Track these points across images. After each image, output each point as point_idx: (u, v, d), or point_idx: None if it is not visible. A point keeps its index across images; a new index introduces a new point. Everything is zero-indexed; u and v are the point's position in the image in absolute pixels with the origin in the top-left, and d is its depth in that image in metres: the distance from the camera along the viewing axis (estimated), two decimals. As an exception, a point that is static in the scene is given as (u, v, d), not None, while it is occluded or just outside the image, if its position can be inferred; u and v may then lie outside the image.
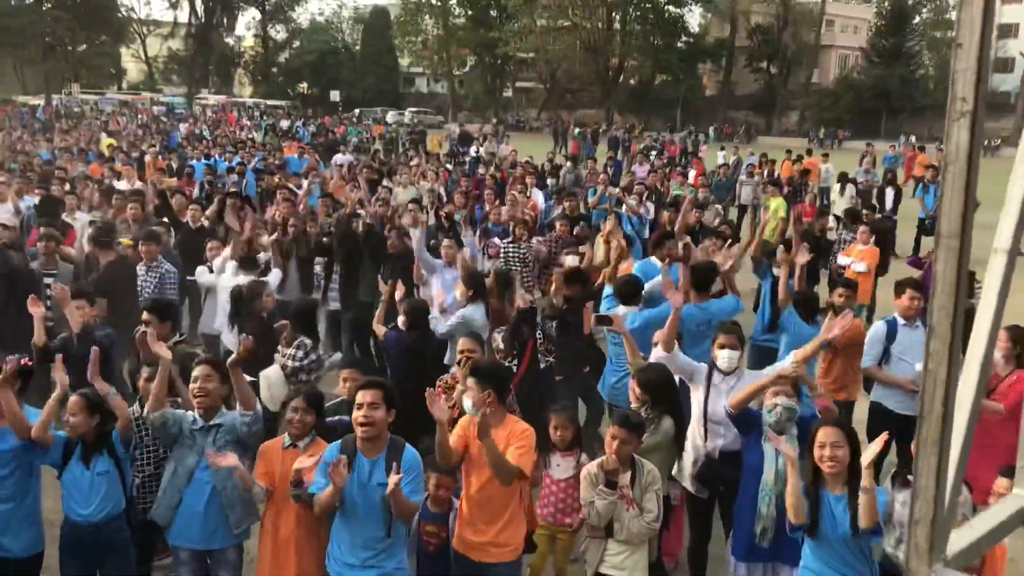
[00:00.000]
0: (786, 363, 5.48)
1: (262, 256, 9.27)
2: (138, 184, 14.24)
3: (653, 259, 8.85)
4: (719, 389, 5.73)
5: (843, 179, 18.56)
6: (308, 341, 6.99)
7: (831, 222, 14.82)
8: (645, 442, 5.27)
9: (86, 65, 67.75)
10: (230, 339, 8.17)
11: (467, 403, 4.88)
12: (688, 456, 5.81)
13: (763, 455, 5.05)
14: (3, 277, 8.45)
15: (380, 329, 7.32)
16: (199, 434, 4.96)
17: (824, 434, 4.46)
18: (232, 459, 4.72)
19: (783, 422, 4.93)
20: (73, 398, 4.92)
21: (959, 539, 1.57)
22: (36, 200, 12.14)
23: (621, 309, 7.12)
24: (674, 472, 5.81)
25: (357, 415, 4.50)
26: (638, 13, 63.57)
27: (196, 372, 5.02)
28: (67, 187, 13.22)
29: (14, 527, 4.95)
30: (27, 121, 38.03)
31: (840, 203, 17.37)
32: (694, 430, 5.80)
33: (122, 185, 14.28)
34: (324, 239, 10.10)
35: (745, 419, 5.20)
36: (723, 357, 5.72)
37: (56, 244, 8.63)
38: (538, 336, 7.12)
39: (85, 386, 5.09)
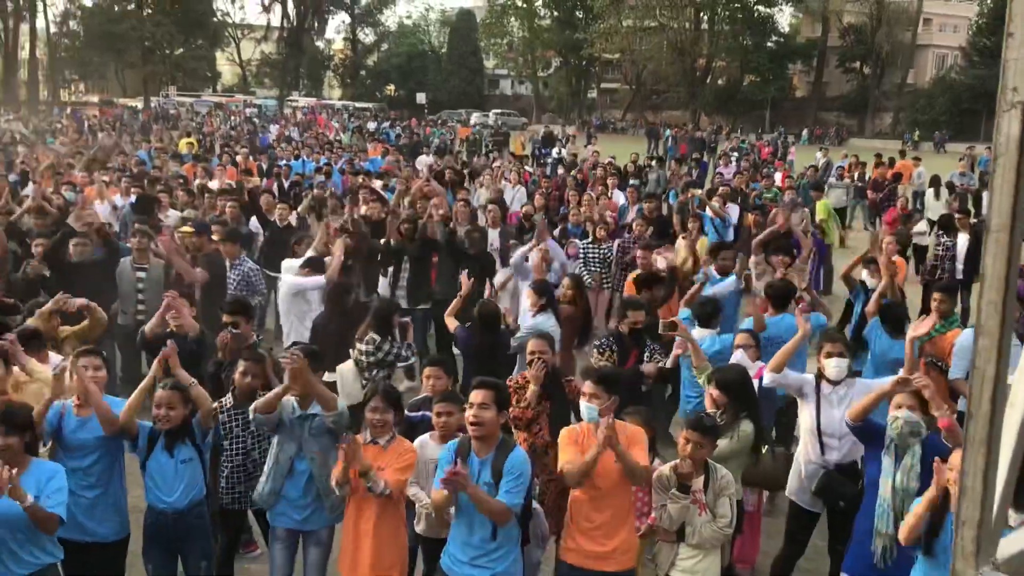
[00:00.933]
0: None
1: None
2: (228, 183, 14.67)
3: (711, 268, 8.83)
4: (830, 400, 5.63)
5: (937, 183, 17.92)
6: (377, 337, 7.12)
7: (924, 226, 14.38)
8: (725, 447, 5.22)
9: (183, 68, 69.98)
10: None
11: (590, 411, 4.81)
12: (800, 471, 5.72)
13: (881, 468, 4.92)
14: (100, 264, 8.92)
15: (452, 323, 7.46)
16: (296, 422, 5.14)
17: (958, 456, 4.24)
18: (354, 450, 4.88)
19: (905, 436, 4.79)
20: (169, 393, 5.09)
21: (1013, 543, 1.52)
22: (133, 198, 12.64)
23: (697, 332, 7.04)
24: (787, 491, 5.76)
25: (468, 414, 4.61)
26: (727, 13, 62.50)
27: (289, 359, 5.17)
28: (160, 186, 13.70)
29: (100, 513, 5.14)
30: (128, 122, 39.50)
31: (935, 207, 16.82)
32: (807, 444, 5.71)
33: (214, 185, 14.74)
34: (390, 240, 10.27)
35: (868, 430, 5.09)
36: (831, 366, 5.61)
37: (149, 241, 8.96)
38: (648, 348, 7.11)
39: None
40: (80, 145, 23.72)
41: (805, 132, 54.45)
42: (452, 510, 4.68)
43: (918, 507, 4.29)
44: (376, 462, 4.86)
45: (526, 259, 9.16)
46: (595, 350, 7.12)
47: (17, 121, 35.47)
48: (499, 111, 62.89)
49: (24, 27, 68.37)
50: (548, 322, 7.46)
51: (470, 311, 7.46)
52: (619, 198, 15.11)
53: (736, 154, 28.62)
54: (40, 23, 68.66)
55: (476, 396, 4.62)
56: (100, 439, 5.09)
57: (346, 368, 7.08)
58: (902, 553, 4.63)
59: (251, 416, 5.17)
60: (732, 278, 8.62)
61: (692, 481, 4.79)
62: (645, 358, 6.94)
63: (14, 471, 4.26)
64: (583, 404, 4.86)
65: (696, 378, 6.38)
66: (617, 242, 11.14)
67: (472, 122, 52.66)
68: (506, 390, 4.79)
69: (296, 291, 8.48)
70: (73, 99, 69.10)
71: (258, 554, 6.35)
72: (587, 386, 4.88)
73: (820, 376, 5.68)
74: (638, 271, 9.19)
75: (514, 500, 4.53)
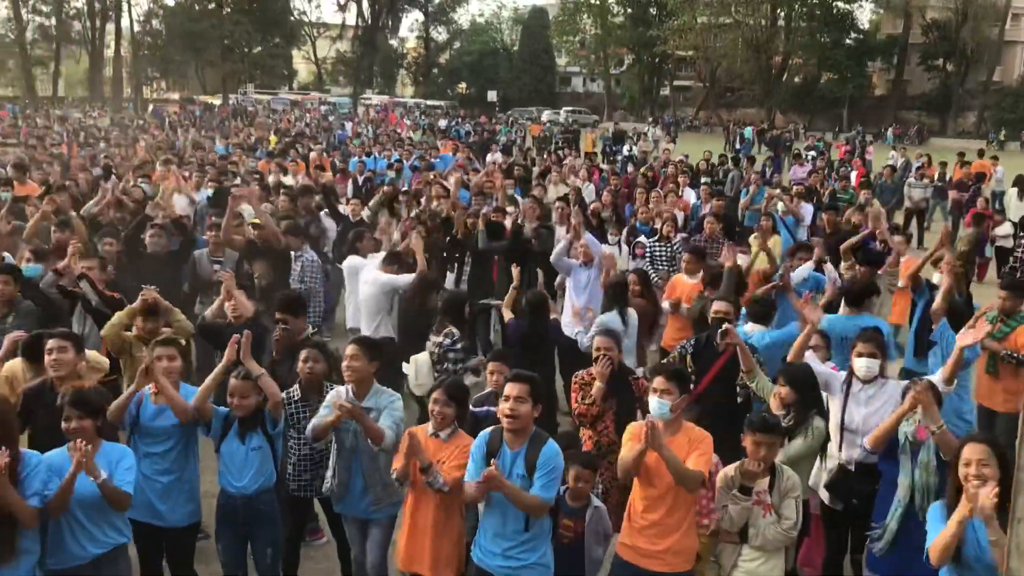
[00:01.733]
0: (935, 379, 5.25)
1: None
2: (303, 180, 14.88)
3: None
4: (857, 398, 5.62)
5: (1020, 183, 17.27)
6: (456, 331, 7.16)
7: (1008, 228, 13.89)
8: (801, 446, 5.20)
9: (260, 66, 71.42)
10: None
11: (661, 407, 4.74)
12: (824, 466, 5.68)
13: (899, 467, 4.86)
14: (175, 254, 9.15)
15: (507, 313, 7.50)
16: None
17: (970, 451, 4.13)
18: (389, 439, 5.01)
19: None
20: (243, 383, 5.21)
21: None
22: (210, 192, 12.93)
23: (749, 327, 6.98)
24: (810, 481, 5.63)
25: (503, 407, 4.61)
26: (804, 9, 61.24)
27: (347, 351, 5.26)
28: (236, 181, 13.98)
29: (173, 498, 5.28)
30: (205, 118, 40.49)
31: (1017, 208, 16.22)
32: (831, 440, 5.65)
33: (288, 180, 14.98)
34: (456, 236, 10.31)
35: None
36: (861, 365, 5.59)
37: (163, 238, 9.21)
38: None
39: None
40: (161, 141, 24.32)
41: (890, 131, 52.96)
42: (480, 505, 4.71)
43: (949, 530, 4.04)
44: (437, 455, 4.89)
45: (566, 254, 9.07)
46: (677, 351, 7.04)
47: (102, 117, 36.65)
48: (570, 108, 62.75)
49: (110, 26, 70.73)
50: (614, 321, 7.39)
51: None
52: (691, 196, 14.93)
53: (812, 153, 28.04)
54: (125, 22, 70.96)
55: (512, 389, 4.61)
56: (175, 426, 5.23)
57: (421, 359, 7.16)
58: (921, 549, 4.40)
59: (310, 436, 5.24)
60: (803, 267, 8.48)
61: (755, 483, 4.70)
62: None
63: (89, 446, 4.42)
64: (653, 400, 4.79)
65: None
66: (680, 237, 10.99)
67: (543, 120, 52.66)
68: (541, 384, 4.73)
69: (388, 289, 8.50)
70: (155, 96, 71.10)
71: (324, 542, 6.46)
72: (658, 381, 4.81)
73: (852, 374, 5.66)
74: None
75: (548, 494, 4.55)
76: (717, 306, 6.92)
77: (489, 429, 4.81)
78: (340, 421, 5.06)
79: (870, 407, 5.55)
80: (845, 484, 5.51)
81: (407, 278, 8.45)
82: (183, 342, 6.34)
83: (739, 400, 6.41)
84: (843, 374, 5.71)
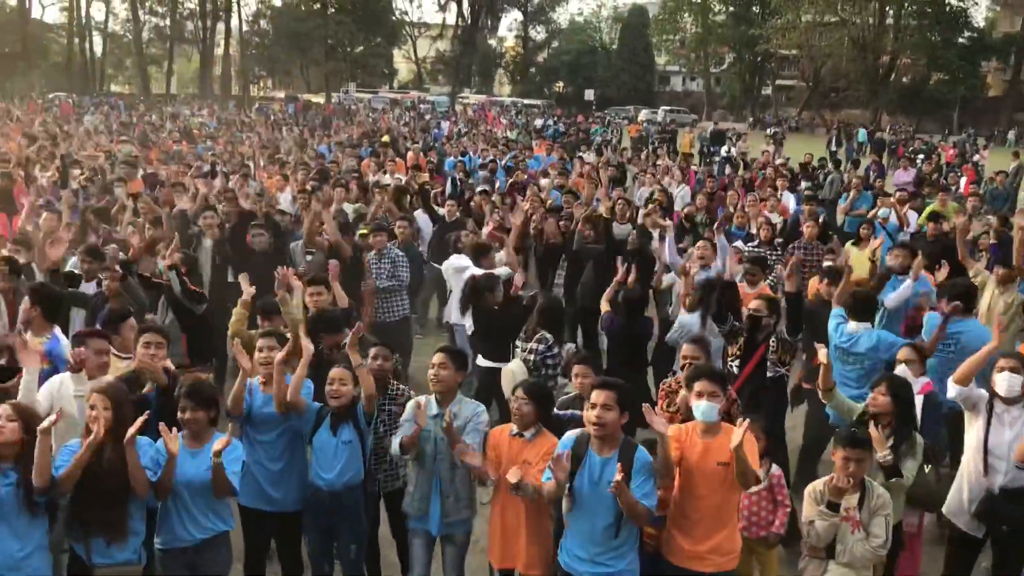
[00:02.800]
0: None
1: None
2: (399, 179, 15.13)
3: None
4: (1001, 419, 5.33)
5: None
6: (549, 336, 7.15)
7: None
8: (912, 468, 5.07)
9: (362, 65, 72.89)
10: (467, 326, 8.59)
11: (708, 410, 4.74)
12: (962, 490, 5.45)
13: None
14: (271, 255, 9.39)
15: (604, 307, 7.47)
16: (432, 421, 5.23)
17: None
18: (476, 458, 5.00)
19: None
20: (343, 371, 5.36)
21: None
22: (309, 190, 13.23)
23: (852, 326, 6.77)
24: (944, 508, 5.48)
25: (590, 414, 4.59)
26: (914, 7, 58.97)
27: (435, 359, 5.32)
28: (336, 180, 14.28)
29: (283, 484, 5.48)
30: (308, 117, 41.46)
31: None
32: (970, 463, 5.44)
33: (386, 180, 15.25)
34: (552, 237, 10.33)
35: None
36: (1002, 382, 5.29)
37: (265, 236, 9.52)
38: (772, 344, 6.87)
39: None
40: (267, 139, 24.99)
41: (1012, 134, 50.43)
42: (565, 505, 4.69)
43: None
44: (521, 454, 4.94)
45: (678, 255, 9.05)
46: (724, 338, 7.00)
47: (210, 116, 37.94)
48: (668, 108, 62.05)
49: (220, 26, 73.27)
50: (694, 321, 7.34)
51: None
52: (790, 201, 14.59)
53: (921, 156, 27.01)
54: (234, 22, 73.44)
55: (598, 396, 4.58)
56: (279, 415, 5.42)
57: (515, 367, 7.09)
58: None
59: (398, 451, 5.29)
60: (908, 281, 8.23)
61: (844, 499, 4.60)
62: (769, 357, 6.74)
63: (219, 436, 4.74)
64: (701, 403, 4.75)
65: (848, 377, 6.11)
66: (777, 242, 10.80)
67: (640, 119, 52.21)
68: (628, 391, 4.69)
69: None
70: (261, 94, 73.26)
71: None
72: (702, 384, 4.77)
73: (993, 393, 5.36)
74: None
75: (651, 501, 4.54)
76: (755, 304, 6.90)
77: (575, 433, 4.80)
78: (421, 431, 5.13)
79: (1015, 429, 5.26)
80: (994, 510, 5.29)
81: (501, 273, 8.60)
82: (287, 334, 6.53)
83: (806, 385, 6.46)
84: (986, 393, 5.43)
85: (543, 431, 5.09)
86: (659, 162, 19.71)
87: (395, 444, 5.26)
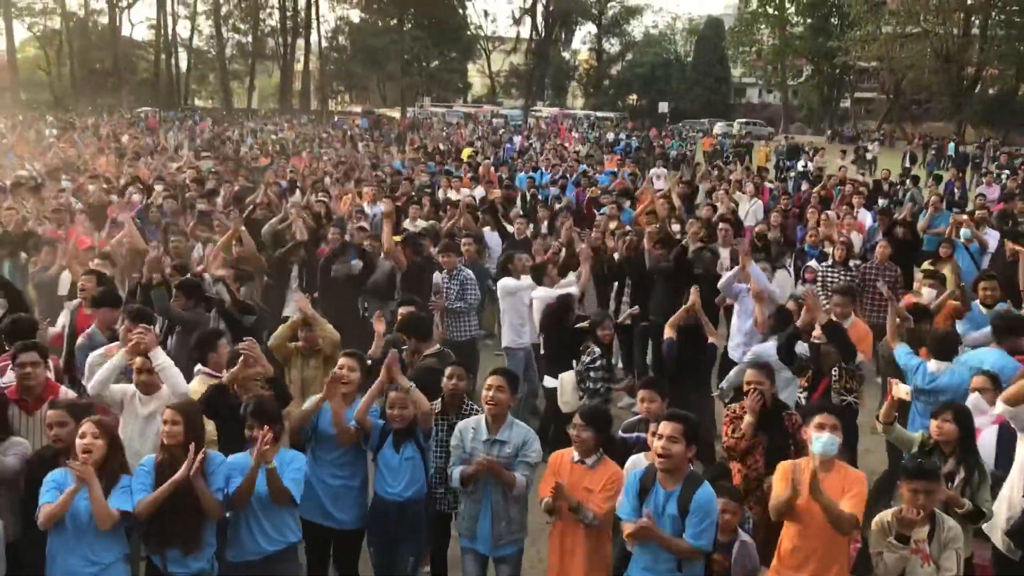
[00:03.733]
0: None
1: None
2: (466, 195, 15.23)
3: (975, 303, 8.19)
4: None
5: None
6: (596, 349, 7.21)
7: None
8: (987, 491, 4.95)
9: (437, 80, 73.76)
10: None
11: (829, 444, 4.70)
12: (1001, 505, 5.33)
13: None
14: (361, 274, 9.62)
15: (669, 331, 7.45)
16: (483, 445, 5.31)
17: None
18: (521, 486, 5.08)
19: None
20: (401, 395, 5.49)
21: None
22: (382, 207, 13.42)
23: (932, 365, 6.60)
24: (984, 527, 5.33)
25: (657, 445, 4.59)
26: (1002, 17, 57.13)
27: (490, 381, 5.39)
28: (409, 196, 14.50)
29: (344, 502, 5.62)
30: (384, 131, 42.08)
31: None
32: (1013, 483, 5.32)
33: (453, 195, 15.38)
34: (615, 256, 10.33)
35: None
36: None
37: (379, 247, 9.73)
38: (834, 374, 6.76)
39: None
40: (343, 155, 25.41)
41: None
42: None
43: None
44: (582, 482, 4.95)
45: (735, 280, 8.91)
46: (796, 373, 6.88)
47: (290, 131, 38.79)
48: (744, 120, 61.29)
49: (300, 42, 75.05)
50: (772, 350, 7.25)
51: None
52: (867, 218, 14.23)
53: (1006, 172, 26.04)
54: (313, 38, 75.08)
55: (665, 428, 4.56)
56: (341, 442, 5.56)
57: (566, 378, 7.27)
58: None
59: (457, 484, 5.35)
60: (986, 330, 7.90)
61: (913, 531, 4.51)
62: (834, 383, 6.60)
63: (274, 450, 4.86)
64: (816, 435, 4.71)
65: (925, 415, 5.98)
66: (854, 263, 10.58)
67: (715, 131, 51.66)
68: (697, 424, 4.68)
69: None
70: (339, 109, 74.67)
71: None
72: (824, 417, 4.73)
73: None
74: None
75: (702, 542, 4.48)
76: (816, 333, 6.78)
77: (644, 466, 4.82)
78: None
79: None
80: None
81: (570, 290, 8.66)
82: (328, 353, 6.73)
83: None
84: None
85: (604, 458, 5.10)
86: (731, 176, 19.35)
87: (455, 475, 5.33)
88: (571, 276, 9.46)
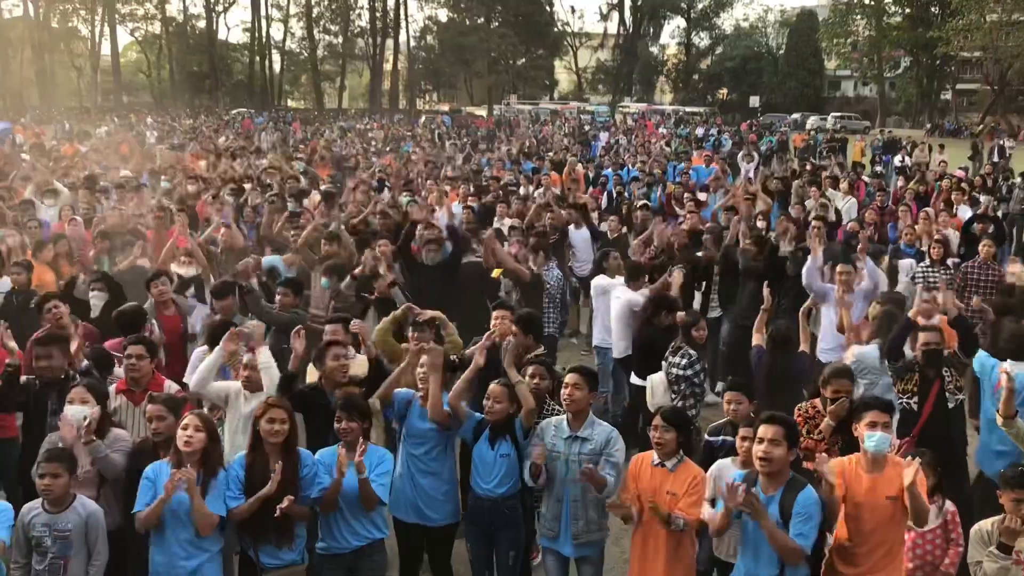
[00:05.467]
0: None
1: None
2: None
3: None
4: None
5: None
6: (693, 352, 7.10)
7: None
8: None
9: (524, 77, 74.04)
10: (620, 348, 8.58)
11: (880, 442, 4.61)
12: None
13: None
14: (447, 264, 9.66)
15: (757, 338, 7.31)
16: (564, 443, 5.30)
17: None
18: (610, 486, 5.05)
19: None
20: (500, 388, 5.49)
21: None
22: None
23: (1008, 364, 6.32)
24: None
25: (757, 449, 4.55)
26: (1117, 1, 54.32)
27: (569, 379, 5.36)
28: (499, 195, 14.52)
29: (434, 497, 5.67)
30: (470, 130, 42.36)
31: None
32: None
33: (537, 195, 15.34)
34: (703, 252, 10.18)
35: None
36: None
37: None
38: (946, 374, 6.52)
39: None
40: (431, 153, 25.66)
41: None
42: (732, 539, 4.61)
43: None
44: (664, 486, 4.91)
45: (820, 278, 8.68)
46: (893, 374, 6.64)
47: (379, 130, 39.38)
48: (838, 114, 59.70)
49: (389, 42, 76.20)
50: (873, 352, 7.05)
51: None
52: (966, 215, 13.70)
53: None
54: (402, 38, 76.16)
55: (766, 431, 4.51)
56: (434, 430, 5.63)
57: (657, 379, 7.15)
58: None
59: (530, 478, 5.35)
60: None
61: (1017, 541, 4.36)
62: (948, 388, 6.36)
63: (364, 448, 4.97)
64: (869, 433, 4.62)
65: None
66: (952, 261, 10.22)
67: (808, 126, 50.44)
68: (796, 427, 4.66)
69: (637, 307, 8.61)
70: (426, 108, 75.62)
71: (537, 562, 6.47)
72: (874, 415, 4.64)
73: None
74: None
75: (806, 542, 4.42)
76: (926, 336, 6.48)
77: (733, 471, 4.78)
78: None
79: None
80: None
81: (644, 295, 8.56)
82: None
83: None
84: None
85: (686, 460, 5.05)
86: (825, 173, 18.81)
87: (526, 472, 5.33)
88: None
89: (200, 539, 4.84)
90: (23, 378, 6.08)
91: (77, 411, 5.18)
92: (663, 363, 7.25)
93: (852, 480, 4.60)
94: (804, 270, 8.71)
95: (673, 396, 6.99)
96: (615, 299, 8.74)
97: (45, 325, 6.96)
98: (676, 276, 8.26)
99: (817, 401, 5.81)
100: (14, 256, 9.40)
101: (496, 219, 12.56)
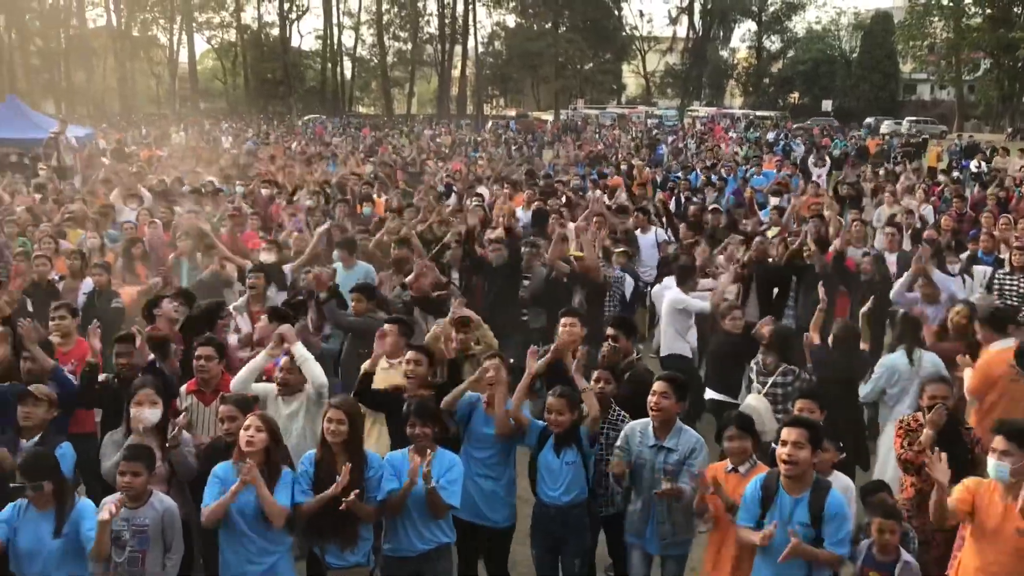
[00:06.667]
0: None
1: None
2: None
3: None
4: None
5: None
6: (794, 368, 6.97)
7: None
8: None
9: (591, 82, 73.85)
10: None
11: (999, 470, 4.44)
12: None
13: None
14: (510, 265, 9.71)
15: (815, 337, 7.23)
16: (649, 451, 5.29)
17: None
18: (688, 497, 5.04)
19: None
20: (558, 400, 5.48)
21: None
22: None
23: None
24: None
25: (780, 452, 4.54)
26: None
27: (656, 387, 5.34)
28: (562, 200, 14.52)
29: (493, 500, 5.72)
30: (537, 135, 42.36)
31: None
32: None
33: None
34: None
35: None
36: None
37: (504, 251, 9.77)
38: None
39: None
40: (497, 160, 25.76)
41: None
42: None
43: None
44: (736, 491, 4.87)
45: (909, 289, 8.47)
46: None
47: (447, 135, 39.68)
48: (913, 118, 58.16)
49: (457, 48, 76.76)
50: (900, 360, 6.94)
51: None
52: (1047, 221, 13.24)
53: None
54: (470, 44, 76.61)
55: (789, 434, 4.49)
56: (499, 435, 5.66)
57: (758, 403, 6.79)
58: None
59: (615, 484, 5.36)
60: None
61: None
62: None
63: (429, 457, 5.01)
64: (991, 461, 4.45)
65: None
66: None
67: (882, 130, 49.28)
68: (819, 429, 4.58)
69: (680, 307, 8.58)
70: (493, 113, 75.95)
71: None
72: (998, 441, 4.44)
73: None
74: None
75: (843, 550, 4.43)
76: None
77: (764, 472, 4.77)
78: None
79: None
80: None
81: (700, 304, 8.48)
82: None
83: None
84: None
85: (758, 464, 5.04)
86: (902, 180, 18.33)
87: (610, 475, 5.37)
88: (708, 282, 9.25)
89: (269, 538, 4.93)
90: (101, 376, 6.30)
91: (147, 416, 5.36)
92: (754, 381, 7.08)
93: (986, 506, 4.44)
94: (896, 288, 8.62)
95: (779, 415, 6.78)
96: (665, 302, 8.70)
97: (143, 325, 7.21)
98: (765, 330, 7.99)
99: (919, 414, 5.69)
100: (94, 258, 9.74)
101: (559, 224, 12.52)
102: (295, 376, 6.05)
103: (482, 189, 16.19)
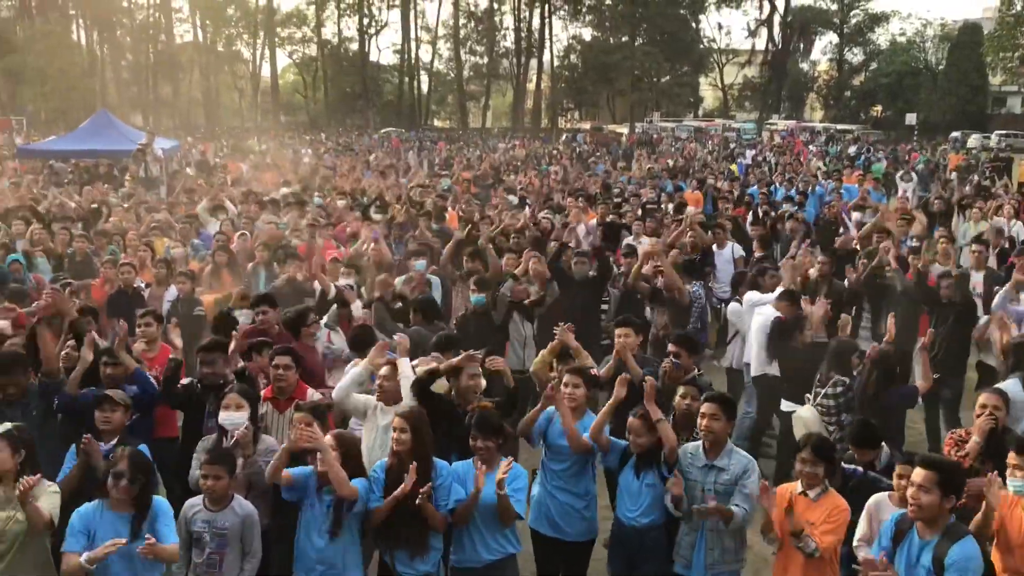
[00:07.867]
0: None
1: None
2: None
3: None
4: None
5: None
6: (845, 379, 6.84)
7: None
8: None
9: (667, 95, 73.39)
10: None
11: (1012, 485, 4.43)
12: None
13: None
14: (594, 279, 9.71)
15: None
16: (699, 471, 5.23)
17: None
18: (739, 518, 4.98)
19: None
20: (638, 421, 5.45)
21: None
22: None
23: None
24: None
25: (908, 493, 4.36)
26: None
27: (705, 408, 5.27)
28: (638, 213, 14.46)
29: (572, 513, 5.69)
30: (613, 148, 42.23)
31: None
32: None
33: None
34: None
35: None
36: None
37: (587, 265, 9.78)
38: None
39: None
40: (575, 172, 25.76)
41: None
42: None
43: None
44: (805, 515, 4.78)
45: (1008, 302, 8.20)
46: None
47: (521, 149, 39.84)
48: (1003, 132, 56.25)
49: (533, 62, 77.20)
50: (1015, 387, 6.57)
51: None
52: None
53: None
54: (546, 57, 76.95)
55: (916, 475, 4.29)
56: (573, 449, 5.63)
57: (807, 413, 6.78)
58: None
59: (669, 506, 5.26)
60: None
61: None
62: None
63: (506, 465, 5.04)
64: (1008, 476, 4.44)
65: None
66: None
67: (969, 144, 47.78)
68: (956, 472, 4.38)
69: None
70: (567, 126, 76.06)
71: None
72: (1012, 457, 4.42)
73: None
74: None
75: None
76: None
77: (901, 510, 4.57)
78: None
79: None
80: None
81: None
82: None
83: None
84: None
85: (829, 491, 4.91)
86: (996, 193, 17.69)
87: (667, 498, 5.25)
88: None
89: (340, 541, 5.04)
90: (184, 380, 6.47)
91: (235, 419, 5.48)
92: (812, 394, 6.98)
93: (1009, 519, 4.42)
94: (997, 300, 8.43)
95: (830, 430, 6.69)
96: (758, 314, 8.48)
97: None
98: (817, 310, 7.89)
99: (971, 428, 5.56)
100: (179, 266, 10.03)
101: (632, 237, 12.50)
102: (391, 384, 6.09)
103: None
